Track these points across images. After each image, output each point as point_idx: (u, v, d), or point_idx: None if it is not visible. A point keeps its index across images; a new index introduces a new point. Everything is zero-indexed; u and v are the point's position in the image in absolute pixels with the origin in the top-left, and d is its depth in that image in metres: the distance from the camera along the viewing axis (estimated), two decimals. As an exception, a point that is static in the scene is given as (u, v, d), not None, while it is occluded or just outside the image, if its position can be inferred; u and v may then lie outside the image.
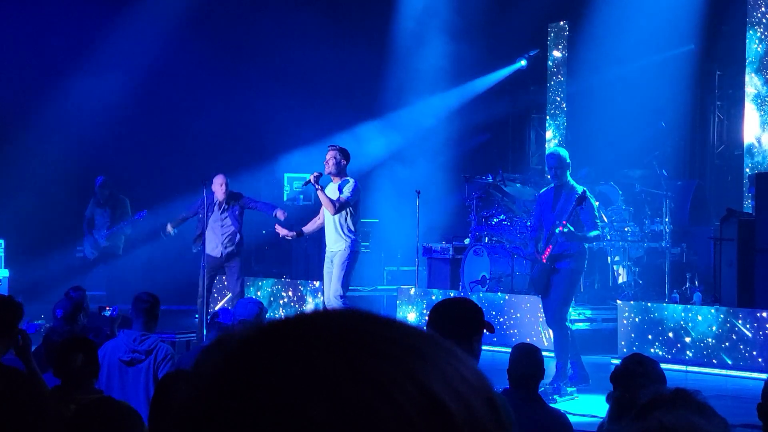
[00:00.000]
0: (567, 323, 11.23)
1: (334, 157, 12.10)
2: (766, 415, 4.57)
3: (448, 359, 0.95)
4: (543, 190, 11.93)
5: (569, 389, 10.85)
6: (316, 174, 12.00)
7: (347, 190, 12.05)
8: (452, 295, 15.07)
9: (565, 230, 10.69)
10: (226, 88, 19.03)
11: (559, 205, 11.00)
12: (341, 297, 12.13)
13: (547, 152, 11.29)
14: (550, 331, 13.17)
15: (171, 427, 0.92)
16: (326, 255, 12.42)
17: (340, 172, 12.15)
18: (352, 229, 12.22)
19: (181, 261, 16.92)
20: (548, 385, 10.64)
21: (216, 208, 13.76)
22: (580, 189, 10.99)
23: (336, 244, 12.21)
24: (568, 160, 11.17)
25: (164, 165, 18.64)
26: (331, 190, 12.14)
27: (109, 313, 10.07)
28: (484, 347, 5.34)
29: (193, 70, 18.79)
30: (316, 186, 11.99)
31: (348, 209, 12.13)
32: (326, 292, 12.39)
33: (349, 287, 12.53)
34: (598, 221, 11.50)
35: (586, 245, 11.37)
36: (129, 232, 16.23)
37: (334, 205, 11.98)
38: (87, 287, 12.46)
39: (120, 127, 18.54)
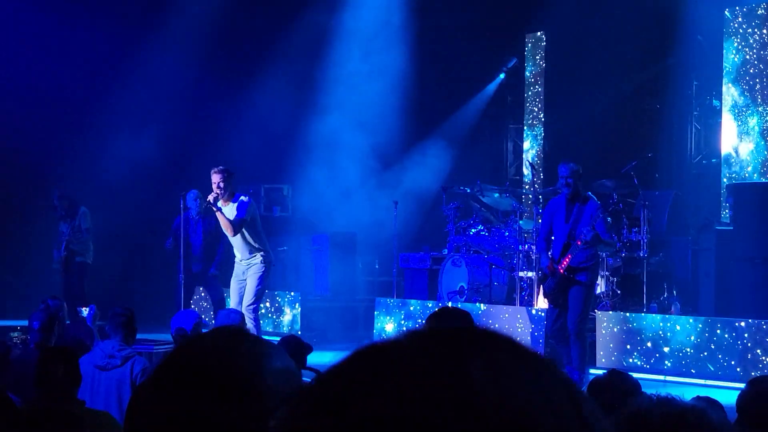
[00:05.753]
0: (585, 334, 11.40)
1: (222, 178, 12.23)
2: (744, 412, 4.59)
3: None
4: (552, 198, 12.12)
5: None
6: (213, 195, 12.15)
7: (238, 210, 12.23)
8: (430, 305, 15.03)
9: (588, 238, 10.86)
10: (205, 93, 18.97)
11: (573, 216, 11.12)
12: (253, 310, 12.26)
13: (559, 164, 11.56)
14: (527, 340, 13.17)
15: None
16: (237, 266, 12.57)
17: (231, 191, 12.31)
18: (260, 241, 12.43)
19: (156, 271, 16.84)
20: None
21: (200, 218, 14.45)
22: (596, 200, 11.24)
23: (249, 258, 12.42)
24: (581, 170, 11.32)
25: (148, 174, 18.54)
26: (230, 212, 12.28)
27: (86, 312, 9.93)
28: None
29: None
30: (214, 208, 12.19)
31: (249, 228, 12.31)
32: (233, 302, 12.51)
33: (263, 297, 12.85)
34: (612, 234, 11.75)
35: (599, 257, 11.61)
36: (87, 239, 16.07)
37: (233, 226, 12.18)
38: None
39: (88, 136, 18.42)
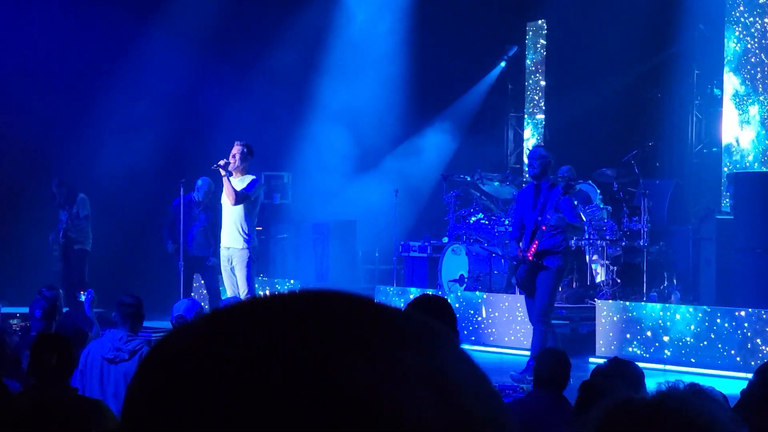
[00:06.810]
0: (550, 321, 11.28)
1: (241, 152, 12.23)
2: (744, 414, 4.52)
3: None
4: (521, 188, 11.98)
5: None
6: (224, 161, 12.18)
7: (247, 184, 12.27)
8: (431, 293, 15.02)
9: (552, 222, 10.75)
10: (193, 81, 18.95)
11: (539, 202, 11.02)
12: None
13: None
14: (527, 329, 13.16)
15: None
16: (222, 251, 12.56)
17: (245, 167, 12.32)
18: (250, 226, 12.40)
19: (155, 258, 16.82)
20: (517, 373, 10.84)
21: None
22: (562, 185, 11.08)
23: (232, 241, 12.38)
24: (550, 158, 11.23)
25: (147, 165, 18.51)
26: (238, 184, 12.30)
27: (84, 296, 9.88)
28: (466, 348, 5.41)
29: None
30: (223, 171, 12.16)
31: (247, 206, 12.28)
32: (229, 291, 12.52)
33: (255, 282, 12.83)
34: (579, 217, 11.60)
35: (569, 242, 11.44)
36: (86, 226, 16.06)
37: (237, 196, 12.14)
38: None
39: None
